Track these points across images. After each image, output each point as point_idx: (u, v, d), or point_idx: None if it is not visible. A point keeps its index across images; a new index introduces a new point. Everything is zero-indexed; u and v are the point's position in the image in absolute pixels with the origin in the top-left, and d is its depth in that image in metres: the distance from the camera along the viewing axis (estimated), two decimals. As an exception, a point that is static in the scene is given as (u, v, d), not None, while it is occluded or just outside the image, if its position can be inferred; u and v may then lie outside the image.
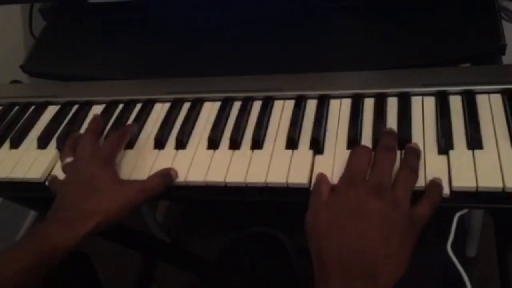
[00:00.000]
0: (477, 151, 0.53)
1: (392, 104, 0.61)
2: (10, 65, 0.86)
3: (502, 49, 0.65)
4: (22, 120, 0.73)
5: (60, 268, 0.54)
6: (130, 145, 0.64)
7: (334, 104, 0.63)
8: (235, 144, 0.61)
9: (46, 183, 0.62)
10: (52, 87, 0.78)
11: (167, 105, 0.69)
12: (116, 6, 0.79)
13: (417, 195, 0.50)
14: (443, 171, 0.52)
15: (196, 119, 0.66)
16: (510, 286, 0.79)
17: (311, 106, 0.64)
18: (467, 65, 0.69)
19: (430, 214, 0.49)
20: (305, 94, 0.65)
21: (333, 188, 0.52)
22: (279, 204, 0.56)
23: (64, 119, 0.71)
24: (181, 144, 0.62)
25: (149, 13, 0.82)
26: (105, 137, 0.66)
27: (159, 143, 0.63)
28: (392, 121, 0.59)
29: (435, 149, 0.54)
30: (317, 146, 0.58)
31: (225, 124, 0.64)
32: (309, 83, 0.65)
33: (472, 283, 0.53)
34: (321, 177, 0.54)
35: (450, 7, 0.71)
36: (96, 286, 0.84)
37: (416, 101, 0.61)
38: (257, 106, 0.65)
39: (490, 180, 0.50)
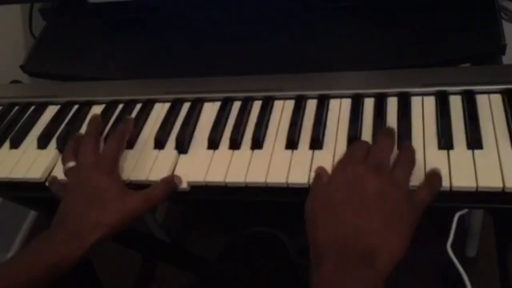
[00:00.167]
0: (477, 151, 0.53)
1: (392, 104, 0.61)
2: (10, 65, 0.86)
3: (502, 49, 0.65)
4: (22, 120, 0.73)
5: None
6: (130, 145, 0.64)
7: (334, 104, 0.63)
8: (235, 144, 0.61)
9: (47, 183, 0.62)
10: (52, 87, 0.78)
11: (167, 105, 0.69)
12: (116, 6, 0.79)
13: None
14: (443, 171, 0.52)
15: (196, 119, 0.66)
16: (510, 286, 0.79)
17: (311, 106, 0.64)
18: (467, 65, 0.69)
19: (430, 201, 0.49)
20: (305, 94, 0.65)
21: None
22: (279, 204, 0.56)
23: (64, 119, 0.71)
24: (181, 144, 0.62)
25: (149, 13, 0.82)
26: (105, 138, 0.66)
27: (159, 143, 0.63)
28: (392, 121, 0.59)
29: (435, 149, 0.54)
30: (317, 146, 0.58)
31: (225, 124, 0.64)
32: (309, 83, 0.65)
33: (472, 283, 0.53)
34: (321, 167, 0.54)
35: (450, 7, 0.71)
36: (96, 286, 0.84)
37: (416, 101, 0.61)
38: (257, 106, 0.65)
39: (490, 180, 0.50)
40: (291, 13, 0.77)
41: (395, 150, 0.54)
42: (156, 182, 0.58)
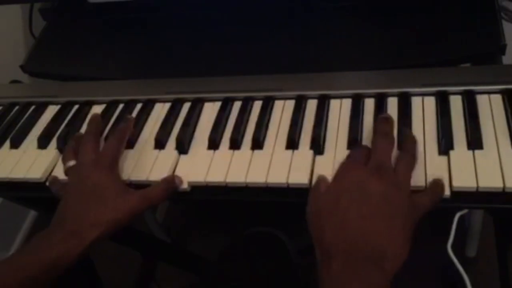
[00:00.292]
0: (477, 151, 0.53)
1: (392, 104, 0.61)
2: (10, 65, 0.86)
3: (502, 49, 0.65)
4: (22, 120, 0.73)
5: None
6: (131, 145, 0.64)
7: (334, 104, 0.63)
8: (235, 144, 0.61)
9: (47, 183, 0.62)
10: (52, 87, 0.78)
11: (167, 105, 0.69)
12: (116, 6, 0.79)
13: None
14: (443, 171, 0.52)
15: (196, 119, 0.66)
16: (510, 286, 0.79)
17: (311, 106, 0.63)
18: (467, 65, 0.69)
19: (430, 207, 0.49)
20: (305, 94, 0.65)
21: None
22: (279, 204, 0.56)
23: (64, 119, 0.71)
24: (181, 144, 0.62)
25: (149, 13, 0.82)
26: (105, 138, 0.66)
27: (159, 143, 0.63)
28: (392, 121, 0.59)
29: (435, 149, 0.54)
30: (317, 146, 0.58)
31: (225, 124, 0.64)
32: (309, 83, 0.65)
33: (472, 283, 0.53)
34: (321, 176, 0.54)
35: (450, 7, 0.71)
36: (96, 286, 0.84)
37: (416, 101, 0.61)
38: (257, 106, 0.65)
39: (490, 180, 0.50)
40: (291, 13, 0.77)
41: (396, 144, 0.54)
42: (156, 183, 0.58)
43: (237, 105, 0.66)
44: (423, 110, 0.60)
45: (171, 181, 0.58)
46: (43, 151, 0.67)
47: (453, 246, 0.54)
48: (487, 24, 0.67)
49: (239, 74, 0.70)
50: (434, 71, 0.64)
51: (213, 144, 0.61)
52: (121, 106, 0.71)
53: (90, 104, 0.73)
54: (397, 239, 0.46)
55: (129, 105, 0.71)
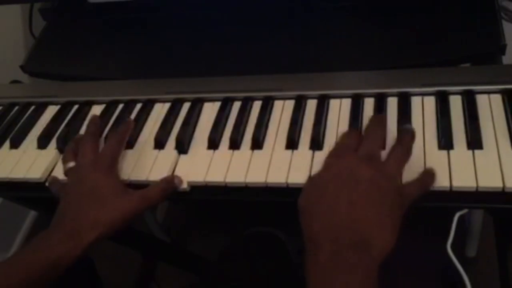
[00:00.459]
0: (477, 151, 0.53)
1: (392, 104, 0.61)
2: (10, 65, 0.86)
3: (502, 49, 0.65)
4: (22, 120, 0.73)
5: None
6: (130, 145, 0.64)
7: (334, 104, 0.63)
8: (235, 144, 0.61)
9: (47, 183, 0.62)
10: (52, 87, 0.78)
11: (167, 105, 0.69)
12: (116, 6, 0.79)
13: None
14: (443, 171, 0.52)
15: (196, 119, 0.66)
16: (510, 286, 0.79)
17: (311, 106, 0.64)
18: (467, 65, 0.69)
19: (417, 196, 0.49)
20: (305, 94, 0.65)
21: None
22: (279, 204, 0.56)
23: (64, 119, 0.71)
24: (181, 144, 0.62)
25: (149, 13, 0.82)
26: (105, 138, 0.66)
27: (159, 143, 0.63)
28: (392, 121, 0.59)
29: (435, 149, 0.54)
30: (317, 146, 0.58)
31: (225, 124, 0.64)
32: (309, 83, 0.65)
33: (472, 283, 0.53)
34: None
35: (450, 7, 0.71)
36: (96, 286, 0.84)
37: (416, 101, 0.61)
38: (257, 106, 0.65)
39: (490, 180, 0.50)
40: (291, 13, 0.77)
41: (394, 136, 0.54)
42: (155, 183, 0.58)
43: (236, 105, 0.66)
44: (423, 110, 0.60)
45: (171, 181, 0.58)
46: (43, 151, 0.67)
47: (453, 246, 0.54)
48: (487, 24, 0.67)
49: (239, 74, 0.70)
50: (434, 71, 0.64)
51: (213, 144, 0.61)
52: (121, 106, 0.71)
53: (90, 104, 0.73)
54: (385, 226, 0.46)
55: (129, 105, 0.71)
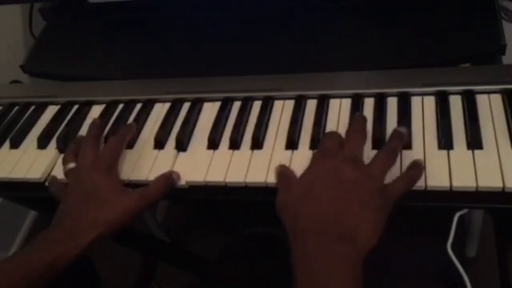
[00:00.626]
0: (477, 151, 0.53)
1: (392, 104, 0.61)
2: (10, 65, 0.86)
3: (502, 49, 0.65)
4: (22, 120, 0.73)
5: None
6: (130, 145, 0.64)
7: (334, 104, 0.63)
8: (235, 144, 0.61)
9: (46, 183, 0.62)
10: (52, 87, 0.78)
11: (167, 105, 0.69)
12: (116, 6, 0.79)
13: (417, 194, 0.51)
14: (443, 171, 0.52)
15: (196, 119, 0.66)
16: (510, 286, 0.79)
17: (311, 106, 0.64)
18: (467, 65, 0.69)
19: (404, 191, 0.50)
20: (305, 94, 0.65)
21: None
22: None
23: (64, 119, 0.71)
24: (181, 144, 0.62)
25: (149, 13, 0.82)
26: (105, 137, 0.66)
27: (159, 143, 0.63)
28: (392, 121, 0.59)
29: (435, 149, 0.54)
30: (317, 146, 0.58)
31: (225, 124, 0.64)
32: (309, 83, 0.65)
33: (472, 283, 0.53)
34: (283, 168, 0.55)
35: (450, 7, 0.71)
36: (96, 286, 0.84)
37: (416, 101, 0.61)
38: (257, 106, 0.65)
39: (490, 180, 0.50)
40: (291, 13, 0.77)
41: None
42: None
43: (236, 105, 0.66)
44: (423, 110, 0.60)
45: (169, 177, 0.58)
46: (43, 151, 0.67)
47: (453, 246, 0.54)
48: (487, 24, 0.67)
49: (239, 74, 0.70)
50: (434, 71, 0.64)
51: (213, 144, 0.61)
52: (121, 106, 0.71)
53: (90, 104, 0.73)
54: (368, 223, 0.47)
55: (129, 105, 0.71)
